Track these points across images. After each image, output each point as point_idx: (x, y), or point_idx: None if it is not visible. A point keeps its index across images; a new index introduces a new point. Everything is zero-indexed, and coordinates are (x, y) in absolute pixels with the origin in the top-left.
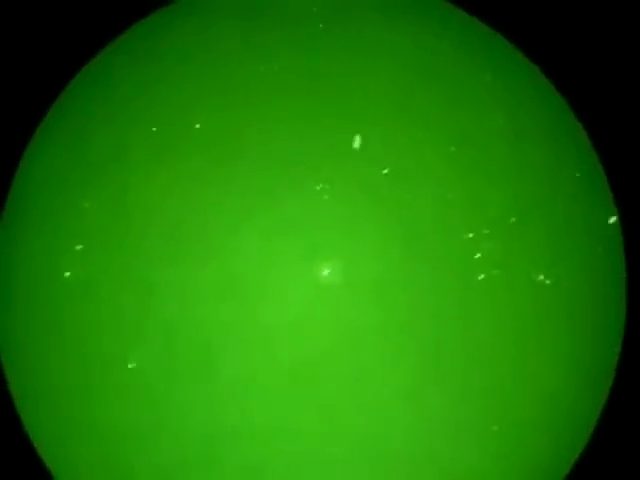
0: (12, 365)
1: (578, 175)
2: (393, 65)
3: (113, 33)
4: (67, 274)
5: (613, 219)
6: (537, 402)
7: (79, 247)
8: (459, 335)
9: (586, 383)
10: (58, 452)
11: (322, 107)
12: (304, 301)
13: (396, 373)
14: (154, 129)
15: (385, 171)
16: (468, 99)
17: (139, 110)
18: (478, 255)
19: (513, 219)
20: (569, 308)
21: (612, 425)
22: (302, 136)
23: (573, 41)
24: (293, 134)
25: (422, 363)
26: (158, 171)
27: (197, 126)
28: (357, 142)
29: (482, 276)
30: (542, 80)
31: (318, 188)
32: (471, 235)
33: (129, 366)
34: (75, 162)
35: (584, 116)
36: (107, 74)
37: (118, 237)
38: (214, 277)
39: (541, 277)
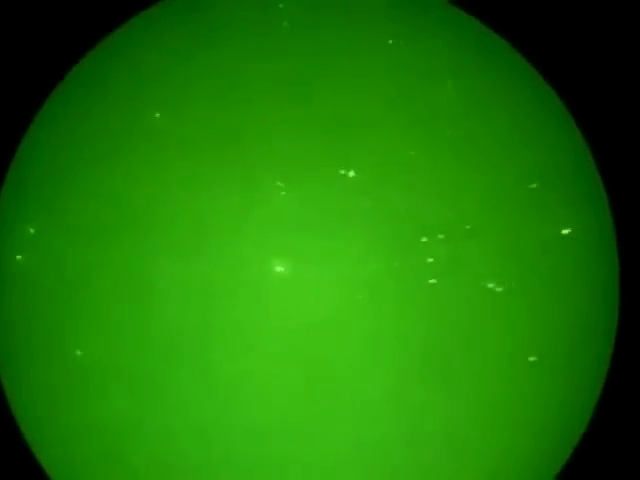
0: (8, 366)
1: (534, 186)
2: (363, 67)
3: (106, 30)
4: (70, 273)
5: (566, 230)
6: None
7: (76, 242)
8: (415, 338)
9: (566, 388)
10: (54, 452)
11: (288, 108)
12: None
13: (379, 373)
14: (150, 127)
15: (342, 172)
16: (444, 101)
17: (131, 108)
18: (430, 260)
19: (468, 226)
20: (523, 316)
21: (599, 427)
22: (272, 136)
23: (575, 44)
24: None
25: (396, 363)
26: (153, 169)
27: (156, 116)
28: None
29: (433, 280)
30: (540, 84)
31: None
32: (425, 239)
33: (126, 363)
34: (71, 158)
35: (581, 119)
36: (102, 69)
37: (112, 234)
38: (206, 275)
39: (491, 285)
